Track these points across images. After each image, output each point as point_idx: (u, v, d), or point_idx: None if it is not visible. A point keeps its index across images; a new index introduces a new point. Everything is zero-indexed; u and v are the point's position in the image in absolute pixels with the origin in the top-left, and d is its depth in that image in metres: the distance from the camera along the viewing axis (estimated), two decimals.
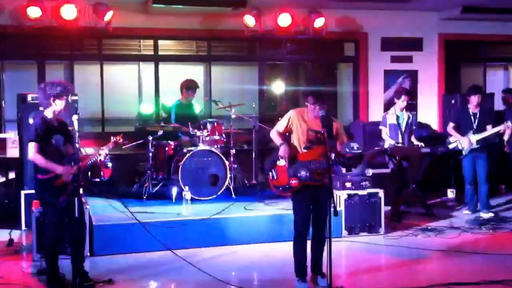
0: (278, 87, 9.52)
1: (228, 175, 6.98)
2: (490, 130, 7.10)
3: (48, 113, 4.62)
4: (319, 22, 8.64)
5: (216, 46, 9.21)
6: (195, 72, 9.01)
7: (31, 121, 6.17)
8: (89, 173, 6.92)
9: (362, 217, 6.33)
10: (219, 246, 5.85)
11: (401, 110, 7.22)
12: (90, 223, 5.59)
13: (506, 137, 7.39)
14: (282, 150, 4.59)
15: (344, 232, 6.27)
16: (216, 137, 7.12)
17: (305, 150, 4.60)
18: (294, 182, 4.58)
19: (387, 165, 7.35)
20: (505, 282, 4.71)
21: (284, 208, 6.26)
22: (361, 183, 6.42)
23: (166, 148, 7.21)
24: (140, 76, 8.99)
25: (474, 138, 7.12)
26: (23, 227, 6.43)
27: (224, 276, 4.88)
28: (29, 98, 6.47)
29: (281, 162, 4.61)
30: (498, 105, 9.28)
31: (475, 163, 7.20)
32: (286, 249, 4.96)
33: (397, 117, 7.21)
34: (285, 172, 4.61)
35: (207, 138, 7.05)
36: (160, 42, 8.87)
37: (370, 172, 6.66)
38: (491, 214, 7.20)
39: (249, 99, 8.29)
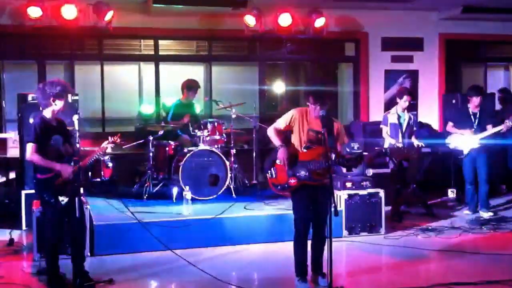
0: (278, 87, 9.51)
1: (229, 175, 6.98)
2: (490, 130, 7.09)
3: (47, 113, 4.61)
4: (319, 22, 8.64)
5: (217, 46, 9.21)
6: (196, 72, 9.01)
7: (31, 121, 6.17)
8: (90, 173, 6.95)
9: (363, 217, 6.33)
10: (220, 246, 5.85)
11: (403, 110, 7.22)
12: (91, 223, 5.59)
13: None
14: (281, 153, 4.59)
15: (345, 232, 6.27)
16: (217, 137, 7.12)
17: (305, 150, 4.60)
18: (293, 181, 4.57)
19: (387, 165, 7.36)
20: (505, 282, 4.70)
21: (284, 208, 6.25)
22: (362, 183, 6.42)
23: (167, 148, 7.21)
24: (141, 76, 8.99)
25: (475, 137, 7.12)
26: (24, 227, 6.43)
27: (224, 276, 4.88)
28: (29, 98, 6.47)
29: (280, 162, 4.61)
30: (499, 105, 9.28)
31: (476, 162, 7.20)
32: (286, 249, 4.96)
33: (399, 117, 7.21)
34: (284, 171, 4.60)
35: (208, 138, 7.05)
36: (161, 42, 8.87)
37: (370, 172, 6.66)
38: (491, 214, 7.20)
39: (249, 99, 8.29)
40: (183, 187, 6.67)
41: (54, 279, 4.66)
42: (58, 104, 4.60)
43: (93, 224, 5.62)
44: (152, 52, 8.88)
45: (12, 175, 7.39)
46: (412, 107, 7.45)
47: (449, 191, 8.45)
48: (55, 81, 4.66)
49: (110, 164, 7.16)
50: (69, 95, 6.13)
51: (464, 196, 7.57)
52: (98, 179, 7.08)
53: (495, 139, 7.26)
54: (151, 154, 7.10)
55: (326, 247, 4.40)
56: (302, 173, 4.55)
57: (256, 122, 7.86)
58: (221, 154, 7.00)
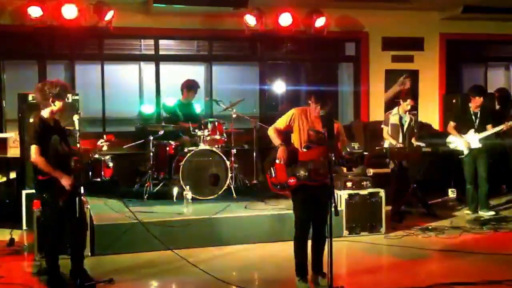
0: (279, 86, 9.51)
1: (229, 175, 6.98)
2: (491, 130, 7.09)
3: (45, 113, 4.61)
4: (320, 22, 8.64)
5: (217, 46, 9.21)
6: (196, 71, 9.01)
7: (31, 121, 6.16)
8: (90, 173, 6.96)
9: (363, 216, 6.33)
10: (220, 246, 5.85)
11: (404, 112, 7.23)
12: (91, 222, 5.59)
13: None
14: (281, 152, 4.59)
15: (345, 232, 6.27)
16: (217, 136, 7.12)
17: (305, 150, 4.59)
18: (292, 181, 4.57)
19: (388, 165, 7.35)
20: (506, 282, 4.70)
21: (284, 208, 6.26)
22: (362, 183, 6.41)
23: (167, 148, 7.21)
24: (141, 75, 8.99)
25: (475, 137, 7.11)
26: (24, 227, 6.43)
27: (224, 275, 4.88)
28: (30, 98, 6.47)
29: (280, 161, 4.61)
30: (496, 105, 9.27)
31: (476, 162, 7.20)
32: (286, 248, 4.95)
33: (400, 118, 7.21)
34: (283, 171, 4.60)
35: (208, 138, 7.05)
36: (161, 41, 8.88)
37: (371, 171, 6.66)
38: (491, 213, 7.19)
39: (250, 99, 8.29)
40: (184, 187, 6.67)
41: (55, 279, 4.66)
42: (57, 105, 4.59)
43: (94, 224, 5.62)
44: (153, 52, 8.88)
45: (12, 175, 7.39)
46: (413, 107, 7.46)
47: (450, 191, 8.45)
48: (54, 81, 4.65)
49: (111, 164, 7.17)
50: (69, 95, 6.15)
51: (465, 196, 7.57)
52: (99, 179, 7.09)
53: (495, 139, 7.27)
54: (151, 154, 7.10)
55: (326, 247, 4.40)
56: (302, 172, 4.54)
57: (257, 122, 7.86)
58: (221, 154, 7.00)
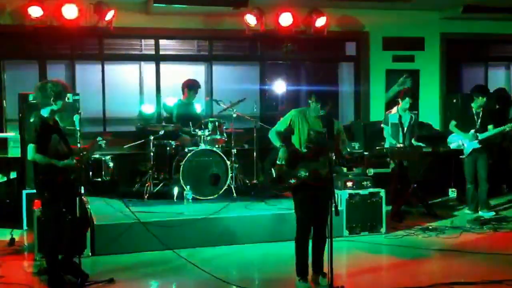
0: (279, 86, 9.51)
1: (229, 175, 6.98)
2: (493, 130, 7.08)
3: (45, 113, 4.62)
4: (320, 22, 8.64)
5: (218, 46, 9.21)
6: (196, 71, 9.01)
7: (31, 120, 6.16)
8: (90, 172, 6.96)
9: (363, 216, 6.33)
10: (220, 245, 5.85)
11: (404, 111, 7.23)
12: (92, 222, 5.59)
13: None
14: (282, 153, 4.59)
15: (345, 232, 6.26)
16: (217, 136, 7.12)
17: (305, 150, 4.60)
18: (293, 181, 4.58)
19: (388, 165, 7.35)
20: (506, 282, 4.70)
21: (285, 207, 6.26)
22: (362, 183, 6.41)
23: (167, 148, 7.21)
24: (142, 75, 8.99)
25: (476, 137, 7.10)
26: (25, 227, 6.44)
27: (225, 275, 4.88)
28: (30, 98, 6.47)
29: (281, 162, 4.61)
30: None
31: (476, 162, 7.19)
32: (287, 248, 4.95)
33: (400, 117, 7.21)
34: (284, 171, 4.61)
35: (208, 138, 7.05)
36: (161, 41, 8.88)
37: (371, 171, 6.65)
38: (491, 213, 7.19)
39: (250, 99, 8.28)
40: (184, 186, 6.68)
41: (55, 278, 4.67)
42: (58, 104, 4.61)
43: (94, 223, 5.62)
44: (153, 52, 8.88)
45: (13, 174, 7.39)
46: (413, 107, 7.46)
47: (450, 190, 8.45)
48: (56, 80, 4.68)
49: (111, 164, 7.17)
50: (70, 95, 6.15)
51: (465, 196, 7.57)
52: (99, 179, 7.09)
53: (496, 139, 7.27)
54: (151, 154, 7.10)
55: (326, 247, 4.40)
56: (302, 172, 4.55)
57: (257, 121, 7.86)
58: (221, 154, 7.00)
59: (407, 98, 7.17)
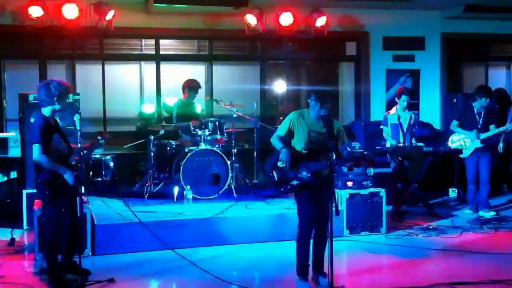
0: (279, 86, 9.51)
1: (230, 174, 6.98)
2: (495, 130, 7.07)
3: (47, 112, 4.63)
4: (320, 21, 8.63)
5: (218, 46, 9.21)
6: (197, 71, 9.01)
7: (32, 120, 6.16)
8: (91, 172, 6.96)
9: (364, 216, 6.32)
10: (220, 245, 5.85)
11: (403, 109, 7.22)
12: (92, 222, 5.59)
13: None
14: (283, 155, 4.59)
15: (346, 232, 6.26)
16: (218, 136, 7.12)
17: (305, 151, 4.60)
18: (295, 183, 4.58)
19: (388, 165, 7.35)
20: (507, 281, 4.70)
21: (285, 207, 6.26)
22: (363, 182, 6.41)
23: (168, 148, 7.22)
24: (142, 75, 8.99)
25: (478, 137, 7.09)
26: (25, 227, 6.43)
27: (225, 275, 4.88)
28: (30, 97, 6.47)
29: (282, 164, 4.62)
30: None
31: (479, 162, 7.17)
32: (287, 248, 4.95)
33: (399, 117, 7.20)
34: (286, 173, 4.61)
35: (209, 138, 7.05)
36: (162, 41, 8.88)
37: (371, 171, 6.66)
38: (492, 213, 7.18)
39: (250, 98, 8.29)
40: (184, 186, 6.68)
41: (55, 278, 4.67)
42: (61, 105, 4.63)
43: (95, 223, 5.62)
44: (153, 52, 8.88)
45: (13, 174, 7.39)
46: (414, 106, 7.45)
47: (451, 190, 8.44)
48: (59, 80, 4.70)
49: (111, 164, 7.17)
50: (70, 95, 6.14)
51: (466, 196, 7.56)
52: (99, 179, 7.09)
53: (498, 139, 7.25)
54: (152, 153, 7.10)
55: (327, 247, 4.39)
56: (304, 174, 4.56)
57: (257, 121, 7.85)
58: (222, 154, 7.00)
59: (403, 96, 7.16)
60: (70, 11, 7.63)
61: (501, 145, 7.51)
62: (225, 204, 6.50)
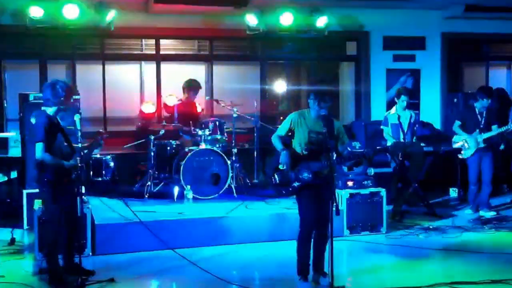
0: (279, 86, 9.51)
1: (230, 174, 6.98)
2: (496, 130, 7.06)
3: (51, 112, 4.65)
4: (321, 21, 8.63)
5: (218, 45, 9.20)
6: (197, 71, 9.00)
7: (33, 120, 6.16)
8: (91, 172, 6.96)
9: (364, 216, 6.32)
10: (221, 245, 5.85)
11: (403, 109, 7.22)
12: (92, 222, 5.59)
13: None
14: (283, 157, 4.59)
15: (346, 231, 6.25)
16: (218, 136, 7.12)
17: (306, 152, 4.59)
18: (296, 184, 4.58)
19: (389, 164, 7.34)
20: (507, 281, 4.69)
21: (285, 207, 6.26)
22: (363, 182, 6.41)
23: (168, 147, 7.22)
24: (142, 75, 8.99)
25: (480, 137, 7.08)
26: (25, 226, 6.44)
27: (225, 275, 4.88)
28: (31, 97, 6.47)
29: (283, 166, 4.62)
30: None
31: (481, 162, 7.16)
32: (287, 248, 4.95)
33: (399, 117, 7.20)
34: (287, 175, 4.61)
35: (209, 137, 7.05)
36: (162, 41, 8.87)
37: (372, 171, 6.65)
38: (492, 213, 7.17)
39: (250, 98, 8.28)
40: (184, 186, 6.68)
41: (55, 278, 4.67)
42: (66, 105, 4.67)
43: (95, 223, 5.62)
44: (154, 52, 8.88)
45: (13, 174, 7.39)
46: (414, 106, 7.44)
47: (451, 190, 8.43)
48: (64, 82, 4.75)
49: (112, 164, 7.17)
50: None
51: (466, 195, 7.55)
52: (100, 179, 7.09)
53: (499, 139, 7.24)
54: (152, 153, 7.10)
55: (327, 246, 4.39)
56: (305, 174, 4.55)
57: (258, 121, 7.85)
58: (222, 153, 7.00)
59: (402, 96, 7.17)
60: (70, 11, 7.63)
61: (502, 146, 7.50)
62: (225, 204, 6.49)
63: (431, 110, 9.63)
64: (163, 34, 8.74)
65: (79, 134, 4.75)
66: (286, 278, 4.82)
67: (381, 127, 7.38)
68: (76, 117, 4.78)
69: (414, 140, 7.23)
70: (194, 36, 8.99)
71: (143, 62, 9.01)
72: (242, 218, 6.11)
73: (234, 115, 7.59)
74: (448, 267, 5.32)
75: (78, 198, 4.62)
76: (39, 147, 4.49)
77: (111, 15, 7.81)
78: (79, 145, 4.72)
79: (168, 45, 9.02)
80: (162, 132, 7.27)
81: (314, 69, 9.79)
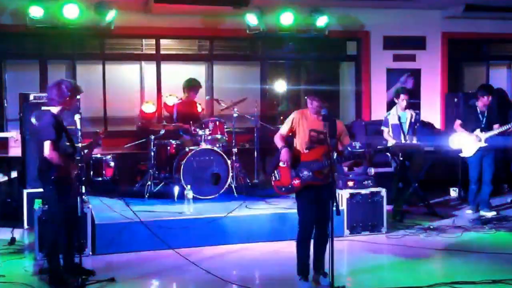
0: (280, 86, 9.50)
1: (230, 174, 6.98)
2: (497, 129, 7.05)
3: (56, 111, 4.66)
4: (321, 21, 8.63)
5: (218, 45, 9.20)
6: (197, 71, 9.00)
7: (33, 120, 6.17)
8: (91, 172, 6.96)
9: (364, 216, 6.31)
10: (221, 245, 5.85)
11: (403, 109, 7.22)
12: (92, 222, 5.59)
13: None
14: (284, 154, 4.59)
15: (346, 231, 6.25)
16: (218, 136, 7.12)
17: (307, 151, 4.60)
18: (296, 182, 4.58)
19: (389, 164, 7.34)
20: (507, 281, 4.69)
21: (285, 207, 6.26)
22: (364, 182, 6.40)
23: (168, 147, 7.22)
24: (142, 75, 8.99)
25: (482, 136, 7.08)
26: (25, 226, 6.44)
27: (225, 275, 4.88)
28: (31, 97, 6.46)
29: (283, 164, 4.62)
30: None
31: (483, 162, 7.15)
32: (287, 247, 4.95)
33: (399, 117, 7.20)
34: (287, 173, 4.61)
35: (209, 137, 7.05)
36: (162, 41, 8.87)
37: (372, 171, 6.65)
38: (492, 213, 7.17)
39: (251, 98, 8.28)
40: (185, 186, 6.68)
41: (56, 277, 4.67)
42: (70, 104, 4.68)
43: (95, 223, 5.62)
44: (154, 52, 8.88)
45: (14, 174, 7.40)
46: (415, 106, 7.44)
47: (452, 190, 8.42)
48: (69, 81, 4.77)
49: (112, 163, 7.17)
50: None
51: (467, 195, 7.54)
52: (100, 178, 7.09)
53: (501, 139, 7.23)
54: (152, 153, 7.10)
55: (328, 246, 4.39)
56: (306, 173, 4.56)
57: (258, 121, 7.85)
58: (222, 153, 7.00)
59: (401, 96, 7.18)
60: (70, 11, 7.63)
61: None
62: (225, 204, 6.49)
63: (432, 110, 9.63)
64: (163, 34, 8.74)
65: (79, 133, 4.76)
66: (286, 278, 4.82)
67: (382, 128, 7.38)
68: (76, 117, 4.78)
69: (414, 139, 7.22)
70: (194, 36, 8.99)
71: (143, 62, 9.00)
72: (242, 218, 6.11)
73: (234, 115, 7.59)
74: (448, 267, 5.32)
75: (78, 198, 4.62)
76: (48, 145, 4.48)
77: (111, 15, 7.82)
78: (79, 144, 4.73)
79: (168, 45, 9.02)
80: (162, 132, 7.27)
81: (314, 69, 9.79)
